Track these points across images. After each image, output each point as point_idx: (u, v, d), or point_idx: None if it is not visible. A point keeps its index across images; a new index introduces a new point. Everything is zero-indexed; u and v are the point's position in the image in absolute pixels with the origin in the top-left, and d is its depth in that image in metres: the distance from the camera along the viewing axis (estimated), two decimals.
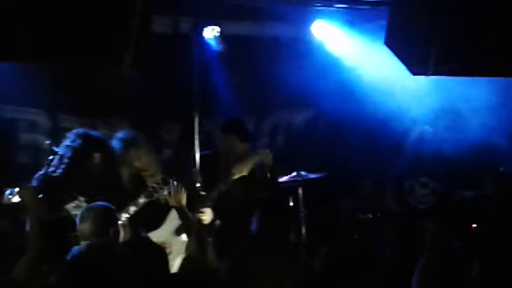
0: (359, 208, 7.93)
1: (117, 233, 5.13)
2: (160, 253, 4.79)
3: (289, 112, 8.63)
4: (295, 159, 7.71)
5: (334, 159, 7.98)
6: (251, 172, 6.53)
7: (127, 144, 6.44)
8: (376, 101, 7.71)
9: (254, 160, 6.54)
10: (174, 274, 5.51)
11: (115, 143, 6.43)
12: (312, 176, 7.51)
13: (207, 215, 6.24)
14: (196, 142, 7.04)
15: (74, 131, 6.24)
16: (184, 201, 5.99)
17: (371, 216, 7.84)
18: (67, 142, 6.08)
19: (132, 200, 5.99)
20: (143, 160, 6.41)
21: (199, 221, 6.11)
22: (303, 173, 7.48)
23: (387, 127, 7.64)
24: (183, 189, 6.01)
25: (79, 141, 6.05)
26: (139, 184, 6.31)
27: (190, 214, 6.00)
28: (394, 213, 7.44)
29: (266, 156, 6.66)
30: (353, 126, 7.94)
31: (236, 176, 6.44)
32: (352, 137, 8.00)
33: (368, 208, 7.90)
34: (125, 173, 6.41)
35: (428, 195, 7.36)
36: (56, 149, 5.95)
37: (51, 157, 5.91)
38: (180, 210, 5.99)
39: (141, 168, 6.40)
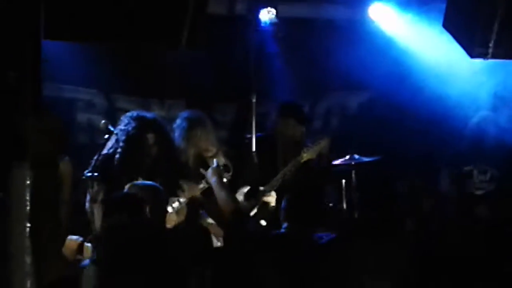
0: (414, 191, 7.83)
1: (157, 211, 5.09)
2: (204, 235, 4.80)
3: (344, 95, 8.57)
4: (349, 142, 7.66)
5: (389, 143, 7.89)
6: (305, 163, 6.57)
7: (193, 123, 6.47)
8: (433, 85, 7.60)
9: (322, 145, 6.58)
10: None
11: (180, 122, 6.47)
12: (366, 159, 7.44)
13: (273, 197, 6.28)
14: (253, 124, 7.04)
15: (128, 114, 6.30)
16: None
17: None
18: (121, 125, 6.15)
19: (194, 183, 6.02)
20: (207, 140, 6.43)
21: (264, 203, 6.20)
22: (356, 156, 7.42)
23: (445, 111, 7.51)
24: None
25: (132, 124, 6.11)
26: (202, 166, 6.34)
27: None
28: (450, 197, 7.34)
29: (325, 145, 6.69)
30: (408, 110, 7.83)
31: (304, 159, 6.49)
32: (407, 120, 7.89)
33: (424, 192, 7.80)
34: (189, 153, 6.43)
35: (486, 182, 7.25)
36: (112, 128, 6.01)
37: (107, 136, 5.97)
38: None
39: (205, 148, 6.42)
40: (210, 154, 6.44)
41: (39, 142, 2.96)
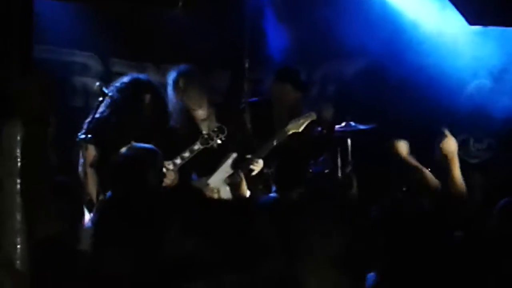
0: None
1: (156, 175, 5.08)
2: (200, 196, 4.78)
3: (341, 62, 8.52)
4: (345, 109, 7.63)
5: (385, 111, 7.86)
6: (305, 130, 6.53)
7: (180, 74, 6.42)
8: (431, 52, 7.55)
9: (309, 118, 6.53)
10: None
11: (171, 76, 6.43)
12: (362, 127, 7.42)
13: (258, 166, 6.26)
14: (244, 89, 7.00)
15: (123, 77, 6.27)
16: None
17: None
18: (116, 87, 6.12)
19: (187, 146, 5.99)
20: (195, 95, 6.37)
21: (249, 170, 6.16)
22: (352, 123, 7.39)
23: (443, 79, 7.48)
24: None
25: (128, 85, 6.09)
26: (194, 131, 6.31)
27: None
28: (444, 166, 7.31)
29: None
30: (406, 78, 7.79)
31: (290, 133, 6.45)
32: (404, 88, 7.86)
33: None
34: (182, 117, 6.39)
35: (482, 150, 7.23)
36: (106, 90, 5.98)
37: (101, 99, 5.95)
38: None
39: (193, 103, 6.36)
40: (202, 116, 6.40)
41: (29, 100, 2.92)
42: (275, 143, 6.43)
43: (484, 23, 6.60)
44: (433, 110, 7.46)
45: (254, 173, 6.28)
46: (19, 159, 3.03)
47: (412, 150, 7.75)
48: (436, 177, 7.33)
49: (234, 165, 6.30)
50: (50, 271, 3.37)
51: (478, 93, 7.22)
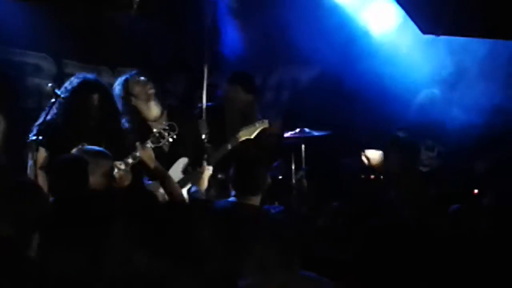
0: (361, 168, 7.87)
1: (106, 176, 5.08)
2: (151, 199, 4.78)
3: (295, 68, 8.57)
4: (299, 115, 7.67)
5: (339, 118, 7.92)
6: (257, 136, 6.56)
7: (128, 76, 6.40)
8: (384, 60, 7.63)
9: (262, 126, 6.56)
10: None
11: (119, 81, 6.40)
12: (316, 133, 7.47)
13: (208, 172, 6.24)
14: (204, 93, 6.98)
15: (72, 77, 6.21)
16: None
17: (373, 176, 7.79)
18: (65, 87, 6.06)
19: (138, 146, 5.91)
20: (139, 93, 6.33)
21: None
22: (306, 130, 7.44)
23: (394, 88, 7.55)
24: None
25: (76, 86, 6.01)
26: (145, 131, 6.25)
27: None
28: (396, 174, 7.37)
29: (275, 124, 6.70)
30: (361, 86, 7.86)
31: (242, 139, 6.46)
32: (357, 96, 7.92)
33: (371, 168, 7.84)
34: (132, 118, 6.35)
35: (432, 158, 7.30)
36: (58, 92, 5.91)
37: (53, 100, 5.87)
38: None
39: (140, 104, 6.32)
40: (152, 117, 6.37)
41: None
42: (227, 149, 6.45)
43: (437, 32, 6.68)
44: (385, 118, 7.53)
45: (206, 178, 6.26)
46: None
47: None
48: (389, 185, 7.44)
49: (184, 170, 6.28)
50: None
51: (429, 102, 7.31)
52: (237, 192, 5.15)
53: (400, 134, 7.03)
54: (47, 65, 7.62)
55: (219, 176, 6.64)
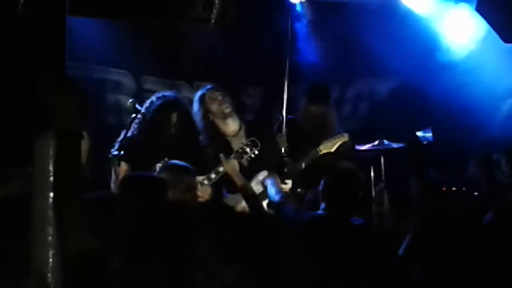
0: (442, 180, 7.73)
1: (189, 191, 5.10)
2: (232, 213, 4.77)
3: (374, 81, 8.49)
4: (378, 127, 7.58)
5: (418, 129, 7.79)
6: (337, 150, 6.51)
7: (204, 91, 6.44)
8: (464, 71, 7.49)
9: (342, 139, 6.52)
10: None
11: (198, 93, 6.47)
12: (395, 145, 7.37)
13: (287, 186, 6.23)
14: (284, 107, 6.98)
15: (153, 95, 6.32)
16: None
17: (455, 188, 7.64)
18: (146, 104, 6.17)
19: (222, 157, 5.97)
20: (216, 108, 6.37)
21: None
22: (385, 142, 7.35)
23: (476, 98, 7.41)
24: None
25: (155, 103, 6.12)
26: (225, 146, 6.30)
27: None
28: (480, 186, 7.22)
29: (345, 139, 6.64)
30: (438, 96, 7.73)
31: (322, 152, 6.44)
32: (437, 107, 7.80)
33: (452, 181, 7.69)
34: (210, 133, 6.40)
35: None
36: (139, 107, 6.01)
37: (133, 115, 5.98)
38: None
39: (218, 120, 6.36)
40: (231, 133, 6.39)
41: (62, 112, 2.93)
42: (307, 162, 6.44)
43: None
44: (467, 129, 7.39)
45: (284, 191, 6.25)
46: (51, 173, 3.05)
47: (445, 169, 7.71)
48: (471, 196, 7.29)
49: (263, 183, 6.29)
50: (81, 286, 3.36)
51: (510, 113, 7.15)
52: (329, 205, 5.00)
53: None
54: (127, 81, 7.75)
55: (298, 190, 6.61)
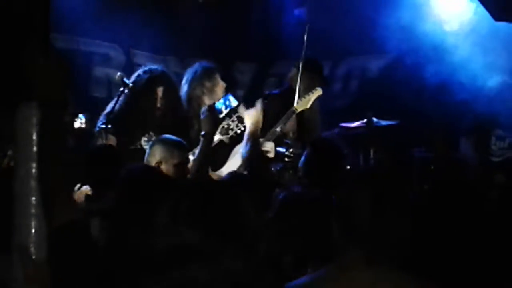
0: (431, 158, 7.74)
1: (179, 167, 5.09)
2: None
3: (364, 58, 8.46)
4: (368, 105, 7.56)
5: (408, 108, 7.79)
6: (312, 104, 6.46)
7: (205, 72, 6.40)
8: (454, 49, 7.47)
9: (316, 94, 6.46)
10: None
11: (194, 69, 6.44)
12: (384, 123, 7.35)
13: (269, 147, 6.20)
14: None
15: (140, 68, 6.30)
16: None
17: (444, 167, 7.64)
18: (132, 77, 6.16)
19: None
20: (219, 91, 6.35)
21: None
22: (375, 119, 7.33)
23: (464, 76, 7.39)
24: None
25: (143, 76, 6.11)
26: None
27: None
28: (468, 165, 7.23)
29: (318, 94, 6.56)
30: (431, 74, 7.71)
31: (298, 110, 6.39)
32: (427, 85, 7.78)
33: (440, 159, 7.70)
34: (192, 113, 6.38)
35: (504, 149, 7.16)
36: (127, 80, 5.99)
37: (121, 89, 5.96)
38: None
39: (208, 94, 6.34)
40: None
41: (46, 82, 2.90)
42: (284, 123, 6.37)
43: (510, 19, 6.50)
44: (456, 107, 7.38)
45: (269, 155, 6.22)
46: (35, 143, 3.02)
47: (434, 147, 7.72)
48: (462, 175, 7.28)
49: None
50: (66, 257, 3.35)
51: (500, 91, 7.14)
52: (311, 181, 4.90)
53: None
54: (117, 55, 7.71)
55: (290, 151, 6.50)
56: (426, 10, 7.74)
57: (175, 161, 5.06)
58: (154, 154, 5.06)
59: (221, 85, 6.42)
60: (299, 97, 6.43)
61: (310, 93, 6.45)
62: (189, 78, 6.42)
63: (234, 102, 5.87)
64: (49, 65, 2.94)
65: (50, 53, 3.00)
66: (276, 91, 6.99)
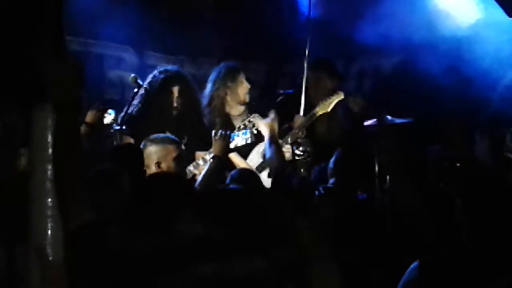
0: (446, 156, 7.69)
1: (177, 161, 5.11)
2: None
3: (377, 56, 8.43)
4: (382, 103, 7.53)
5: (422, 105, 7.75)
6: (334, 111, 6.47)
7: (230, 71, 6.42)
8: (469, 46, 7.43)
9: (337, 98, 6.48)
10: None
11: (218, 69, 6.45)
12: (398, 121, 7.32)
13: (287, 150, 6.21)
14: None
15: (156, 69, 6.31)
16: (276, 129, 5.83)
17: (459, 165, 7.60)
18: (148, 79, 6.17)
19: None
20: (242, 90, 6.37)
21: None
22: (388, 117, 7.30)
23: (479, 73, 7.35)
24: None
25: (157, 77, 6.12)
26: (228, 126, 6.29)
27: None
28: (484, 162, 7.19)
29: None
30: (445, 72, 7.67)
31: (319, 113, 6.40)
32: (442, 84, 7.74)
33: (456, 157, 7.65)
34: (217, 112, 6.39)
35: None
36: (141, 82, 6.00)
37: (136, 90, 5.97)
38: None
39: (238, 100, 6.36)
40: (237, 112, 6.39)
41: (61, 85, 2.90)
42: (304, 127, 6.39)
43: None
44: (471, 104, 7.35)
45: (286, 156, 6.24)
46: (50, 145, 3.03)
47: (450, 144, 7.68)
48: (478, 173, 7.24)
49: (264, 154, 6.27)
50: (81, 259, 3.35)
51: None
52: (338, 178, 5.06)
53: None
54: (129, 57, 7.72)
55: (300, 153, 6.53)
56: (440, 5, 7.70)
57: (173, 155, 5.15)
58: (151, 156, 5.10)
59: (244, 86, 6.43)
60: (320, 100, 6.42)
61: (331, 97, 6.47)
62: (213, 78, 6.46)
63: (250, 139, 5.93)
64: (64, 67, 2.94)
65: (64, 55, 3.01)
66: (290, 91, 6.99)
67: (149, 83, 6.11)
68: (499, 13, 6.63)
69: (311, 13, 7.44)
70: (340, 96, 6.50)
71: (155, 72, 6.23)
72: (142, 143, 5.25)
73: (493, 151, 7.21)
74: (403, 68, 8.27)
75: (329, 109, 6.44)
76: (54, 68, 2.95)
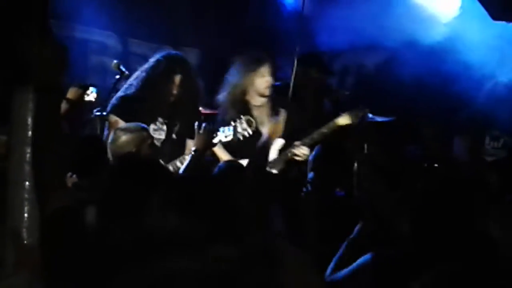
0: (424, 156, 7.74)
1: (151, 147, 5.15)
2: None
3: (360, 54, 8.45)
4: (363, 101, 7.55)
5: (404, 104, 7.79)
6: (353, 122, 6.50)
7: (261, 60, 6.38)
8: (453, 48, 7.47)
9: (362, 113, 6.50)
10: None
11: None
12: (379, 119, 7.35)
13: (304, 151, 6.20)
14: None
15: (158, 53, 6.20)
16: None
17: (437, 165, 7.65)
18: (150, 62, 6.04)
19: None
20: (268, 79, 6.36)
21: (294, 154, 6.15)
22: (369, 115, 7.32)
23: (461, 75, 7.40)
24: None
25: (162, 61, 6.00)
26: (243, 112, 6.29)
27: None
28: (462, 163, 7.24)
29: (354, 116, 6.60)
30: (427, 72, 7.71)
31: (340, 124, 6.41)
32: (425, 82, 7.78)
33: (434, 157, 7.70)
34: (239, 102, 6.37)
35: (498, 149, 7.17)
36: (123, 68, 5.95)
37: (118, 76, 5.92)
38: None
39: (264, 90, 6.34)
40: (258, 103, 6.39)
41: (43, 66, 2.88)
42: (324, 132, 6.39)
43: (508, 19, 6.50)
44: (452, 105, 7.39)
45: (299, 159, 6.26)
46: (30, 128, 3.00)
47: (430, 143, 7.72)
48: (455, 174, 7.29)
49: (280, 150, 6.28)
50: (57, 243, 3.33)
51: (496, 91, 7.16)
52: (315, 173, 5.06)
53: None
54: (113, 43, 7.69)
55: None
56: (422, 5, 7.73)
57: (148, 141, 5.14)
58: (127, 145, 5.05)
59: (265, 80, 6.37)
60: (346, 111, 6.45)
61: (358, 111, 6.48)
62: (237, 66, 6.40)
63: (236, 137, 5.86)
64: (47, 50, 2.92)
65: (47, 38, 2.98)
66: (277, 83, 6.99)
67: (152, 67, 5.97)
68: (481, 12, 6.65)
69: (302, 8, 7.46)
70: (365, 111, 6.55)
71: (158, 56, 6.09)
72: (111, 134, 5.19)
73: (471, 152, 7.26)
74: (386, 66, 8.30)
75: (350, 121, 6.46)
76: (39, 50, 2.93)
